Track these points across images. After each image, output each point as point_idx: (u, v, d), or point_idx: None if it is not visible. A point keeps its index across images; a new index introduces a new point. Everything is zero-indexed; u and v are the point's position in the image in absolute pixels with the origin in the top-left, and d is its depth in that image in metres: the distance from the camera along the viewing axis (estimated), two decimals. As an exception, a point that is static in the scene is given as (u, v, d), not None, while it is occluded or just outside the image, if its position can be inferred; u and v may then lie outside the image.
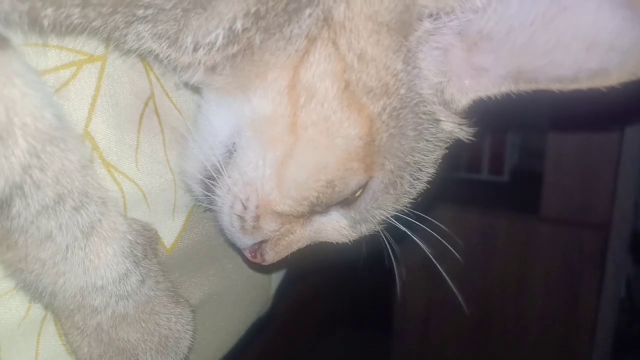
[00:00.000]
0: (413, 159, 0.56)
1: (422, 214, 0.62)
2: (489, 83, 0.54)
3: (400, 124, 0.53)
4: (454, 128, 0.57)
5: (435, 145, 0.58)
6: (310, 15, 0.49)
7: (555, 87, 0.52)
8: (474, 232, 1.69)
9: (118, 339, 0.54)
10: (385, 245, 0.64)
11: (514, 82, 0.53)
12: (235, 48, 0.48)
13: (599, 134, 1.47)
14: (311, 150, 0.52)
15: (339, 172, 0.53)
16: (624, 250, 1.62)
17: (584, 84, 0.51)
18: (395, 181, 0.56)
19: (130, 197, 0.58)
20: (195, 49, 0.47)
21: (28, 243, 0.47)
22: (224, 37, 0.46)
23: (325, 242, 0.63)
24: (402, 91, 0.52)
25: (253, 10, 0.45)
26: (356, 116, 0.51)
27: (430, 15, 0.51)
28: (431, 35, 0.52)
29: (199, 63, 0.49)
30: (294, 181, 0.54)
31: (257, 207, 0.56)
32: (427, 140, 0.56)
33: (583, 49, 0.49)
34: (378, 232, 0.62)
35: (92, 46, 0.52)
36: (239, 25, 0.46)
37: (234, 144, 0.55)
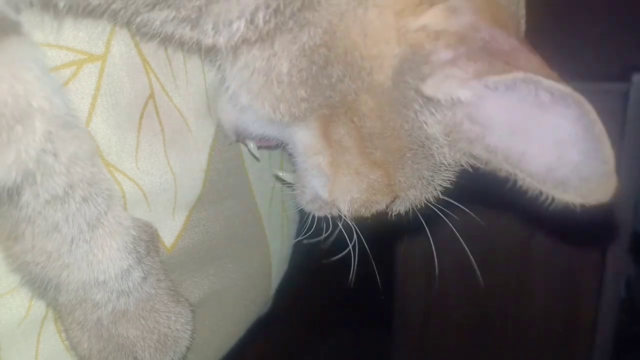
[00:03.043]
0: (432, 182, 0.62)
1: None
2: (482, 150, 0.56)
3: (416, 167, 0.59)
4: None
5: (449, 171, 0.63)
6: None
7: (527, 181, 0.53)
8: (474, 232, 1.68)
9: (117, 335, 0.54)
10: (386, 245, 0.65)
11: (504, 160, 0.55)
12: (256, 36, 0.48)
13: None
14: (346, 187, 0.61)
15: (370, 201, 0.62)
16: (624, 250, 1.62)
17: (545, 188, 0.52)
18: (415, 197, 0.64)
19: (130, 196, 0.58)
20: (216, 33, 0.47)
21: (35, 234, 0.47)
22: (245, 28, 0.47)
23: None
24: (414, 147, 0.57)
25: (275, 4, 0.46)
26: (376, 167, 0.59)
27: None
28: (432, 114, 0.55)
29: (223, 45, 0.49)
30: (340, 207, 0.64)
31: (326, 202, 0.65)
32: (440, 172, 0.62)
33: (556, 156, 0.50)
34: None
35: (93, 45, 0.53)
36: (260, 16, 0.46)
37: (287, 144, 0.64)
